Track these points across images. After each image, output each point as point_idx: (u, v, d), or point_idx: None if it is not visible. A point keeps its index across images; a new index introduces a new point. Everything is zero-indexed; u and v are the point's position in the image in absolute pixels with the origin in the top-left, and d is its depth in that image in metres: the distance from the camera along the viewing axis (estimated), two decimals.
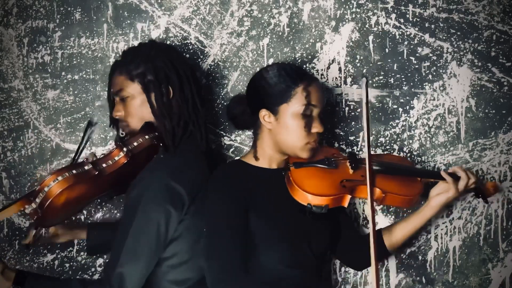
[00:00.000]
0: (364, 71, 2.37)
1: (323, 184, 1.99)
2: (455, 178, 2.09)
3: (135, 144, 2.01)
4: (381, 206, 2.38)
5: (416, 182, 2.12)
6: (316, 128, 2.04)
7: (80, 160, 2.12)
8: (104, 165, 1.98)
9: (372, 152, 2.33)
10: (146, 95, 2.06)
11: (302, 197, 1.96)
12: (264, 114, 2.05)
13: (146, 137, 2.02)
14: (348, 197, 1.98)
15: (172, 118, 2.06)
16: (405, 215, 2.35)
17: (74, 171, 1.94)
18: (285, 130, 2.03)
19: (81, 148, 2.23)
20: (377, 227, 2.33)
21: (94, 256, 2.41)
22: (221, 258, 1.93)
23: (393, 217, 2.38)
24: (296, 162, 2.03)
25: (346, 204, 1.99)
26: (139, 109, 2.07)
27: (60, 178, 1.91)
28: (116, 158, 1.99)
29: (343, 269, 2.39)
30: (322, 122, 2.06)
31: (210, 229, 1.98)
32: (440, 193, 2.08)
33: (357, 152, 2.36)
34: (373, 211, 1.92)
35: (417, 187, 2.10)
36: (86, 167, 1.96)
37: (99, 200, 2.38)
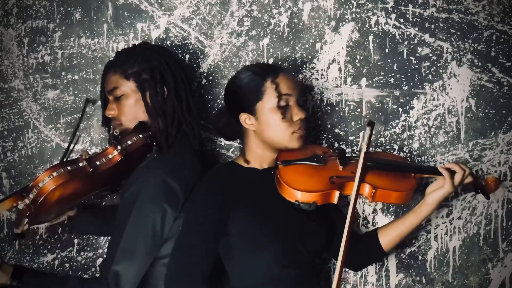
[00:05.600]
0: (364, 71, 2.37)
1: (311, 180, 1.97)
2: (451, 172, 2.08)
3: (129, 142, 2.02)
4: (381, 206, 2.38)
5: (409, 178, 2.07)
6: (297, 115, 2.04)
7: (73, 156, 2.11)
8: (98, 162, 1.99)
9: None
10: (141, 93, 2.07)
11: (290, 194, 1.95)
12: (244, 117, 2.06)
13: (140, 136, 2.04)
14: (337, 193, 1.95)
15: (166, 117, 2.07)
16: None
17: (68, 168, 1.94)
18: (268, 127, 2.04)
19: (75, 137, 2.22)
20: (376, 227, 2.34)
21: (91, 255, 2.41)
22: (184, 259, 1.92)
23: (393, 217, 2.38)
24: (284, 160, 2.02)
25: (335, 201, 1.96)
26: (133, 107, 2.08)
27: (54, 174, 1.92)
28: (110, 156, 2.00)
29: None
30: (302, 108, 2.06)
31: (183, 229, 1.97)
32: (436, 189, 2.04)
33: (356, 153, 2.36)
34: (356, 199, 1.91)
35: (410, 182, 2.05)
36: (80, 164, 1.97)
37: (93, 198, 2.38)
